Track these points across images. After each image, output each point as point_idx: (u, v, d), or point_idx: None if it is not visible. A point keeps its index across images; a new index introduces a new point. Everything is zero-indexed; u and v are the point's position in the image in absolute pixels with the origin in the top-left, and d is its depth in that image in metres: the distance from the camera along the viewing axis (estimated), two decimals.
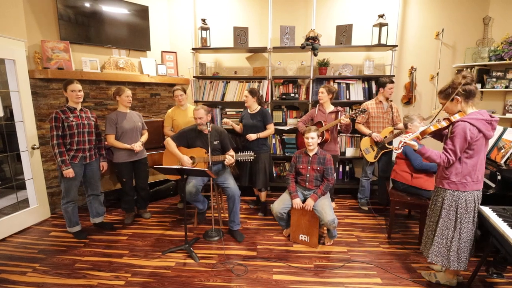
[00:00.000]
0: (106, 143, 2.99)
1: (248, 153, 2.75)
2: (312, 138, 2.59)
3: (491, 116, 1.77)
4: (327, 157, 2.65)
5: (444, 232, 1.92)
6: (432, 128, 1.85)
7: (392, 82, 3.27)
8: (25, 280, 2.17)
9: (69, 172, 2.53)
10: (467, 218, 1.87)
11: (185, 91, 3.29)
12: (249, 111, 3.24)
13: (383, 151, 3.26)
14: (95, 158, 2.78)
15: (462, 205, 1.86)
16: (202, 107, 2.74)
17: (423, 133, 1.87)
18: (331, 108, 3.27)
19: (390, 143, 3.24)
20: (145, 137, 3.09)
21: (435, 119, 2.06)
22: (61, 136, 2.51)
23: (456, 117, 1.80)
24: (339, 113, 3.22)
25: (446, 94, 1.86)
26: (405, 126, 2.86)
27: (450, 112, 1.89)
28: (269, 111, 3.33)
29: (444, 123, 1.83)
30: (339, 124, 3.12)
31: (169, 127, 3.36)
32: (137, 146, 2.91)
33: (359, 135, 3.86)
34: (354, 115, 3.13)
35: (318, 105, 3.36)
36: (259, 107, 3.23)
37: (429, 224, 2.07)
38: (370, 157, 3.33)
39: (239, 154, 2.79)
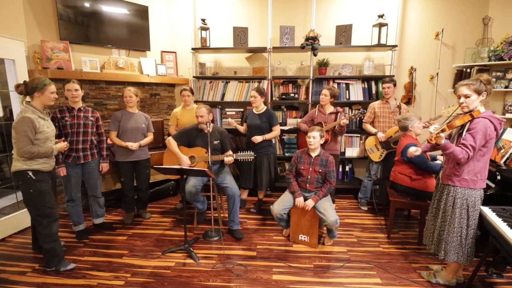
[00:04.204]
0: (109, 142, 2.99)
1: (248, 152, 2.74)
2: (314, 138, 2.56)
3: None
4: (329, 159, 2.61)
5: (458, 230, 1.94)
6: (457, 122, 1.82)
7: (388, 82, 3.24)
8: (25, 280, 2.17)
9: (60, 171, 2.55)
10: (475, 216, 1.90)
11: (192, 92, 3.33)
12: (254, 111, 3.21)
13: (388, 151, 3.24)
14: (92, 158, 2.73)
15: (472, 203, 1.89)
16: (205, 106, 2.79)
17: (450, 126, 1.82)
18: (331, 109, 3.26)
19: (396, 143, 3.20)
20: (146, 140, 3.04)
21: (450, 116, 2.03)
22: (56, 135, 2.52)
23: (477, 113, 1.79)
24: (339, 114, 3.21)
25: (478, 87, 1.78)
26: (405, 128, 2.81)
27: (469, 108, 1.84)
28: (274, 112, 3.30)
29: (466, 118, 1.82)
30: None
31: (174, 126, 3.37)
32: (131, 144, 2.87)
33: (359, 135, 3.87)
34: (353, 117, 3.13)
35: (318, 106, 3.35)
36: (265, 107, 3.21)
37: (438, 224, 2.03)
38: (375, 156, 3.32)
39: (239, 153, 2.77)
